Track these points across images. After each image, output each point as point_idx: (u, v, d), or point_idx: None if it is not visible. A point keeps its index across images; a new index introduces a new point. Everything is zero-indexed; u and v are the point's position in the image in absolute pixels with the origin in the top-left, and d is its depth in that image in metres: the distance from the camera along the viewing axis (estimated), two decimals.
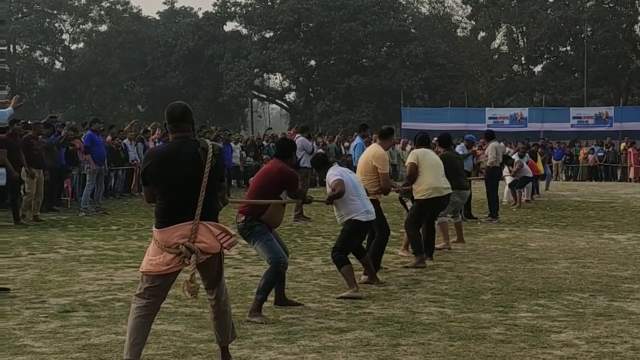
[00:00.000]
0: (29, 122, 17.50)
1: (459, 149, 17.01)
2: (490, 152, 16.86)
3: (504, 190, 20.99)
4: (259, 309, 7.26)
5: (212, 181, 5.40)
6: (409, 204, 11.68)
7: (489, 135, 17.70)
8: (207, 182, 5.35)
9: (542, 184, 25.35)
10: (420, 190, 10.81)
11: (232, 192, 22.92)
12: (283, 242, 8.01)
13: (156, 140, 21.80)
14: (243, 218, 7.58)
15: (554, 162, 35.72)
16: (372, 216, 8.72)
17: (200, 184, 5.33)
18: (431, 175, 10.85)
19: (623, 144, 36.27)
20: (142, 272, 5.47)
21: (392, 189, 10.52)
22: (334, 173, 8.63)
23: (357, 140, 17.69)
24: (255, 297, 7.34)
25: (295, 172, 8.00)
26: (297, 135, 17.96)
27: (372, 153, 9.99)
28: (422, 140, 11.69)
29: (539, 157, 23.86)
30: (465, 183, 13.10)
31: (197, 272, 5.40)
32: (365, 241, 9.48)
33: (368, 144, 15.34)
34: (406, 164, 11.59)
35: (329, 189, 8.63)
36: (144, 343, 5.46)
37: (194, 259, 5.28)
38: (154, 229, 5.47)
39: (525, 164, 20.37)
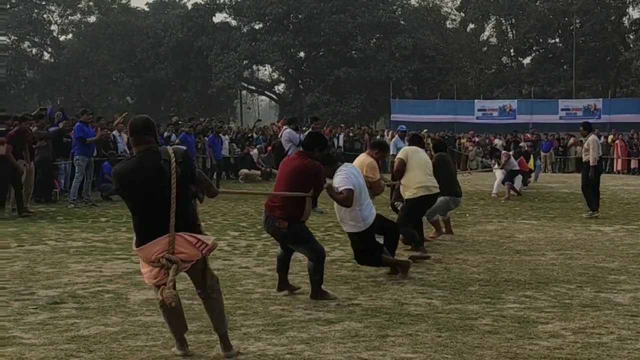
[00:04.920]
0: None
1: (394, 142, 16.33)
2: (592, 146, 15.86)
3: (493, 183, 21.15)
4: (320, 289, 7.78)
5: (181, 191, 5.38)
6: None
7: (587, 127, 16.50)
8: (177, 192, 5.34)
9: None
10: (410, 189, 10.83)
11: (221, 184, 22.94)
12: None
13: None
14: (286, 224, 7.62)
15: (542, 154, 35.80)
16: (370, 221, 8.64)
17: (168, 195, 5.32)
18: (420, 174, 10.84)
19: (611, 136, 36.37)
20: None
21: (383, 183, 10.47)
22: (346, 178, 8.23)
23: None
24: (314, 280, 7.77)
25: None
26: (285, 127, 17.91)
27: (361, 163, 9.86)
28: (413, 139, 11.83)
29: (531, 156, 24.07)
30: (459, 190, 12.58)
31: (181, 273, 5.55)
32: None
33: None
34: (395, 159, 11.54)
35: (335, 184, 8.27)
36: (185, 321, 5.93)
37: (174, 269, 5.35)
38: (133, 247, 5.59)
39: (511, 156, 20.58)
